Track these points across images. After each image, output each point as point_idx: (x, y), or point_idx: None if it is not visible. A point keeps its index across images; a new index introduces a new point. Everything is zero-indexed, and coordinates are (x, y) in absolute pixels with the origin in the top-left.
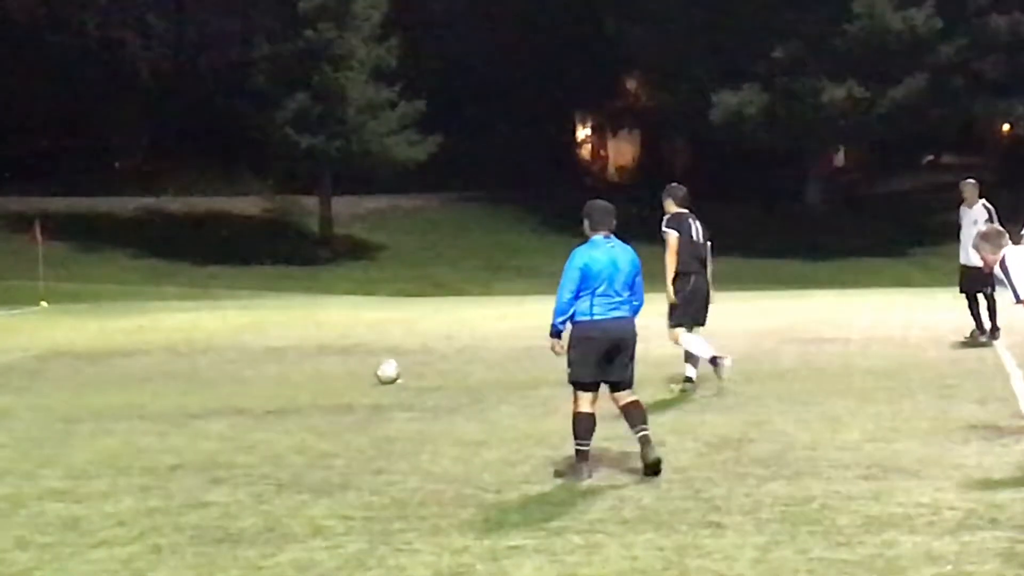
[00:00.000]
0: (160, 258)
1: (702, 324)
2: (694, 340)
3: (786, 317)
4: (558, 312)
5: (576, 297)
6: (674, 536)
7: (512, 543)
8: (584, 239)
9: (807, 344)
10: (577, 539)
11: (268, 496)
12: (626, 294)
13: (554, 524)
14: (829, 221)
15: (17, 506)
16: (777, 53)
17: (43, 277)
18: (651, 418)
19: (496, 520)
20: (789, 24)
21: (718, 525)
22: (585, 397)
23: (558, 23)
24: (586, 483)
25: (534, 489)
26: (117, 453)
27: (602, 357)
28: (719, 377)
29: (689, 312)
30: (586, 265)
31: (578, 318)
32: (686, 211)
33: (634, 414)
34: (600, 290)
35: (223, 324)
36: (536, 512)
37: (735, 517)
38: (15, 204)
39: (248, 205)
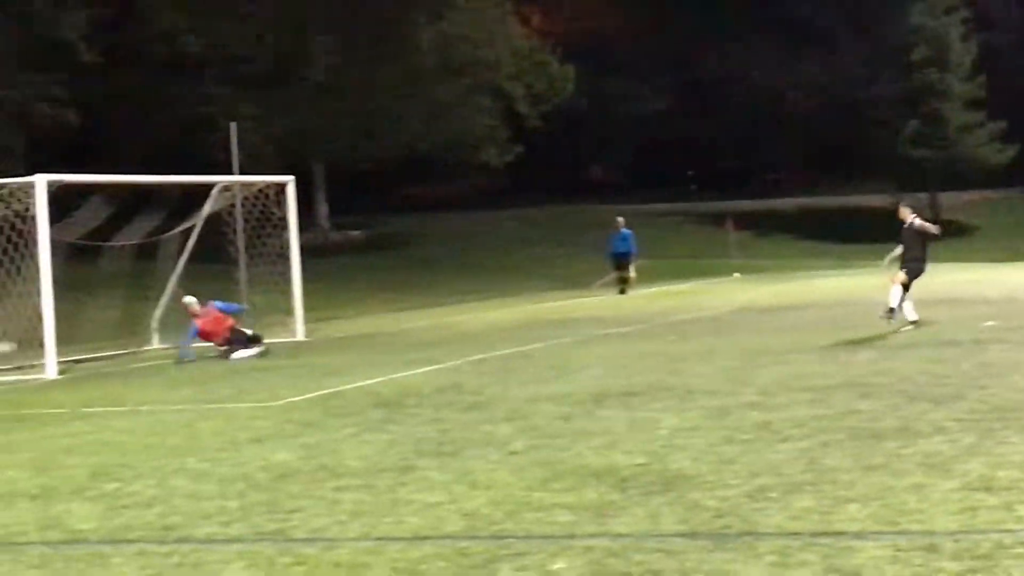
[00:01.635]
0: (813, 240)
1: None
2: None
3: None
4: None
5: None
6: None
7: None
8: None
9: None
10: None
11: (901, 405)
12: None
13: None
14: None
15: (724, 414)
16: None
17: (734, 256)
18: None
19: None
20: None
21: None
22: None
23: None
24: None
25: None
26: (791, 376)
27: None
28: None
29: None
30: None
31: None
32: None
33: None
34: None
35: (857, 284)
36: None
37: None
38: (709, 207)
39: (876, 201)
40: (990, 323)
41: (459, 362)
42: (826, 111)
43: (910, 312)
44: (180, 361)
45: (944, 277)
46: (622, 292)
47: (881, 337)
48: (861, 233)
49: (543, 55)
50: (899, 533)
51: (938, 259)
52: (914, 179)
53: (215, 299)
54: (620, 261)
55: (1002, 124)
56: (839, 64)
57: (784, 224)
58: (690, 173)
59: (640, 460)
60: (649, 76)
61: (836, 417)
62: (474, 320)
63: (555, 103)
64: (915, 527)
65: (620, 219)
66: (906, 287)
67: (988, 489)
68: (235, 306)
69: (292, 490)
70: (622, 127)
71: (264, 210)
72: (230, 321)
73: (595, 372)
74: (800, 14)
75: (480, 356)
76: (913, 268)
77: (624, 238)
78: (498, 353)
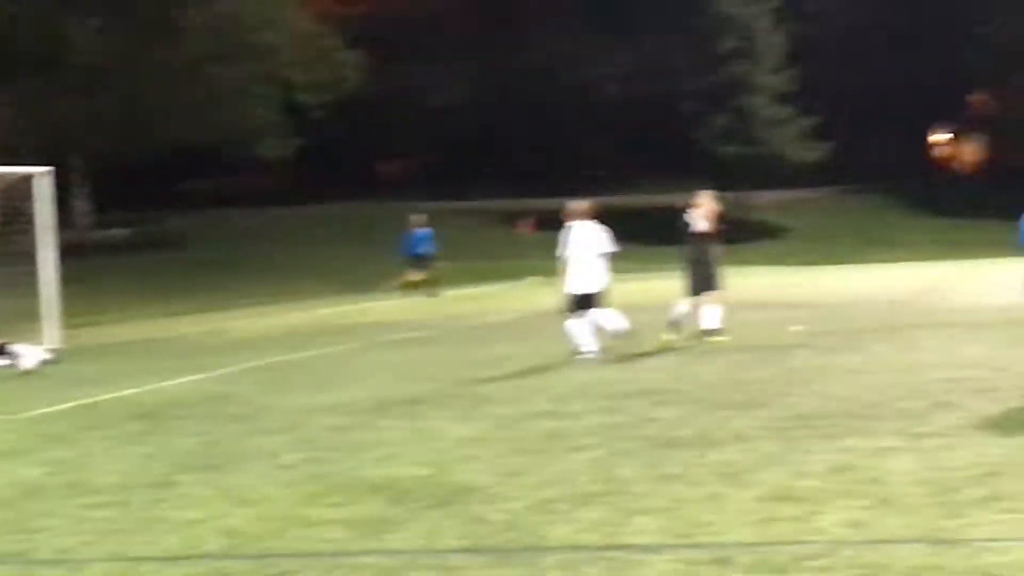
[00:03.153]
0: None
1: None
2: None
3: None
4: None
5: None
6: (1013, 437)
7: (887, 444)
8: None
9: None
10: (937, 441)
11: (701, 413)
12: None
13: (918, 430)
14: None
15: (515, 423)
16: None
17: (533, 258)
18: (1010, 353)
19: (874, 428)
20: None
21: None
22: None
23: (917, 54)
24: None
25: (904, 405)
26: (587, 383)
27: None
28: None
29: None
30: None
31: None
32: None
33: None
34: None
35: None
36: (905, 422)
37: None
38: (511, 205)
39: (683, 200)
40: (797, 328)
41: (231, 370)
42: (635, 105)
43: (705, 321)
44: None
45: (753, 280)
46: (429, 295)
47: (684, 342)
48: (670, 234)
49: (328, 41)
50: (691, 546)
51: (748, 262)
52: (724, 177)
53: None
54: (419, 262)
55: (814, 120)
56: (648, 55)
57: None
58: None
59: (422, 472)
60: (450, 65)
61: (632, 425)
62: (252, 326)
63: (341, 92)
64: (708, 539)
65: (418, 217)
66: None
67: (786, 499)
68: None
69: (38, 508)
70: (419, 119)
71: (16, 206)
72: None
73: (379, 380)
74: (610, 4)
75: (255, 364)
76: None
77: (423, 238)
78: (275, 360)
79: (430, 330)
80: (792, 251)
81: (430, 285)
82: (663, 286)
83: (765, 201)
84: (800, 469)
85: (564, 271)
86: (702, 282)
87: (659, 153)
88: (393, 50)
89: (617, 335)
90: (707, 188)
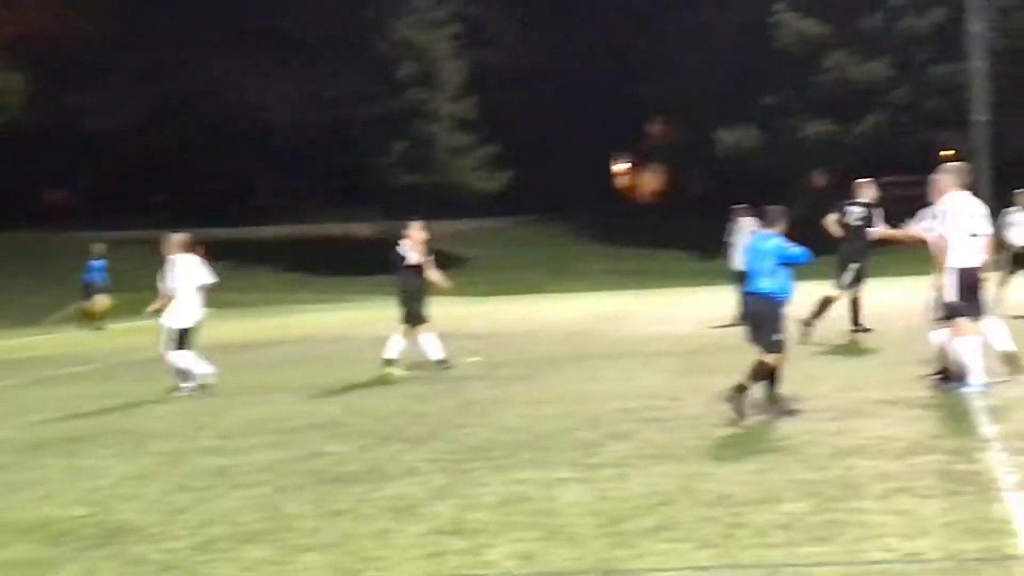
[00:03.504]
0: (299, 272)
1: None
2: None
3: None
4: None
5: None
6: (685, 467)
7: (560, 475)
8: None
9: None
10: (610, 471)
11: (373, 446)
12: None
13: (592, 461)
14: (812, 228)
15: (179, 460)
16: (766, 100)
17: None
18: (684, 382)
19: (548, 459)
20: (774, 77)
21: (720, 458)
22: None
23: (597, 83)
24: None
25: (579, 435)
26: (257, 418)
27: None
28: None
29: None
30: None
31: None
32: None
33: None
34: None
35: (344, 320)
36: (580, 453)
37: (733, 451)
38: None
39: (363, 230)
40: (474, 359)
41: None
42: (312, 132)
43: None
44: None
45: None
46: (95, 328)
47: (360, 376)
48: (350, 265)
49: None
50: None
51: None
52: (403, 206)
53: None
54: (91, 292)
55: (494, 148)
56: (323, 80)
57: (267, 254)
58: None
59: (79, 512)
60: (113, 89)
61: (301, 460)
62: None
63: (1, 119)
64: (375, 574)
65: (98, 247)
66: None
67: (457, 532)
68: None
69: None
70: (83, 145)
71: None
72: None
73: (38, 416)
74: (282, 26)
75: None
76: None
77: (98, 268)
78: None
79: (95, 364)
80: (472, 281)
81: (97, 317)
82: (336, 317)
83: (445, 231)
84: (472, 502)
85: (167, 304)
86: (415, 313)
87: (336, 182)
88: (55, 74)
89: (193, 376)
90: (386, 218)
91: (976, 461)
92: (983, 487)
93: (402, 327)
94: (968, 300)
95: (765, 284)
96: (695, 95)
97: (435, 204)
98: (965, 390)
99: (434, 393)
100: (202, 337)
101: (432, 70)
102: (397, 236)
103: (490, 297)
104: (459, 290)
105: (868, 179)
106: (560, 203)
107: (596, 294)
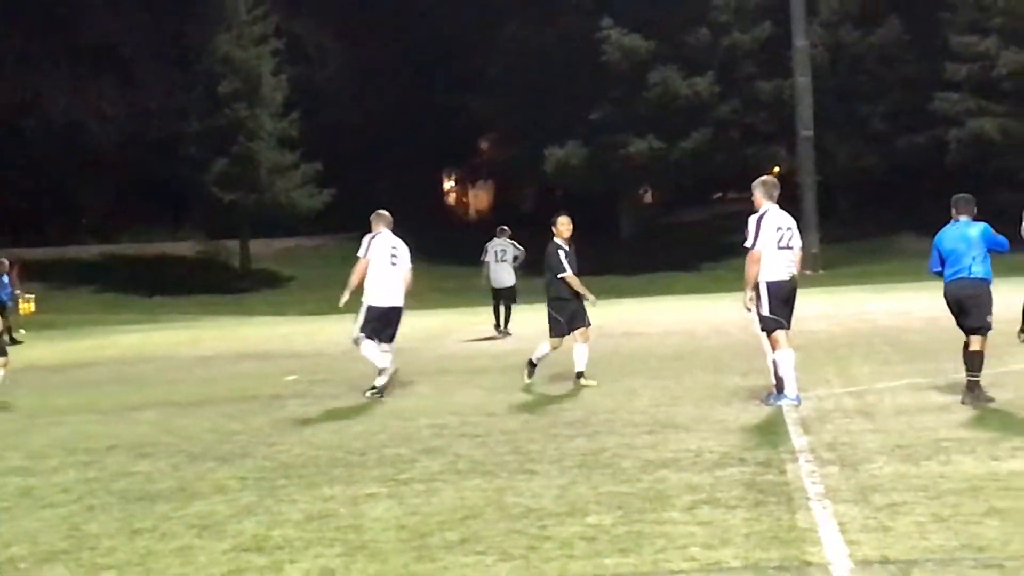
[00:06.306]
0: (117, 292)
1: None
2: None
3: (603, 318)
4: None
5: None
6: (496, 481)
7: (369, 491)
8: None
9: (618, 337)
10: (420, 487)
11: (183, 465)
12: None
13: (403, 476)
14: (639, 244)
15: None
16: (593, 116)
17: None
18: (500, 398)
19: (358, 476)
20: (601, 93)
21: (531, 472)
22: None
23: (426, 99)
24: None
25: (390, 451)
26: (67, 438)
27: None
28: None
29: None
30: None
31: None
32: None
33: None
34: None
35: (164, 340)
36: (390, 468)
37: (544, 465)
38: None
39: (186, 248)
40: (292, 377)
41: None
42: (136, 149)
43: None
44: None
45: (253, 331)
46: None
47: (174, 395)
48: (174, 284)
49: None
50: None
51: (251, 311)
52: (226, 224)
53: None
54: None
55: (316, 166)
56: (148, 97)
57: (88, 274)
58: None
59: None
60: None
61: (109, 480)
62: None
63: None
64: None
65: None
66: None
67: (259, 549)
68: None
69: None
70: None
71: None
72: None
73: None
74: (106, 41)
75: None
76: None
77: None
78: None
79: None
80: (295, 300)
81: None
82: (155, 337)
83: (268, 249)
84: (278, 518)
85: None
86: None
87: (160, 200)
88: None
89: None
90: (209, 237)
91: (784, 472)
92: (788, 497)
93: None
94: (781, 313)
95: (977, 269)
96: (524, 111)
97: (258, 222)
98: (779, 402)
99: (247, 412)
100: (15, 359)
101: (254, 86)
102: (222, 255)
103: (314, 316)
104: (281, 309)
105: None
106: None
107: (420, 312)
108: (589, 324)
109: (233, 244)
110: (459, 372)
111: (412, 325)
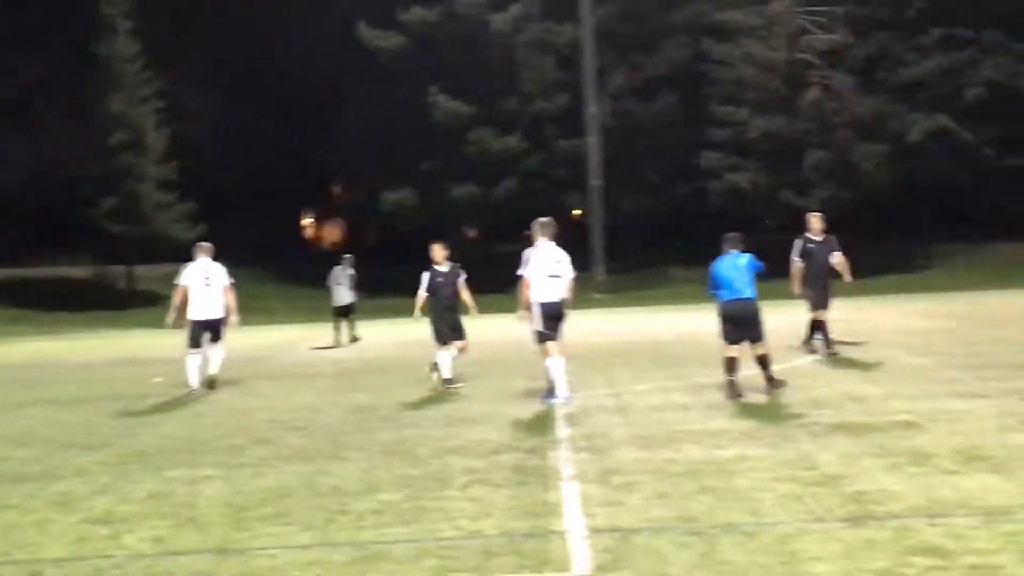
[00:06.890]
0: (18, 309)
1: None
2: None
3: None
4: None
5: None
6: (311, 465)
7: (206, 474)
8: None
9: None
10: (249, 470)
11: (54, 452)
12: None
13: (236, 461)
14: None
15: None
16: (423, 166)
17: None
18: (327, 398)
19: (199, 461)
20: (430, 147)
21: (342, 458)
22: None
23: (287, 150)
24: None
25: (228, 441)
26: None
27: None
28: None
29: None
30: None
31: None
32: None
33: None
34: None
35: (56, 349)
36: (226, 455)
37: (354, 452)
38: None
39: (81, 272)
40: (157, 379)
41: None
42: (35, 187)
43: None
44: None
45: (135, 341)
46: None
47: (60, 394)
48: (68, 303)
49: None
50: (9, 563)
51: (135, 325)
52: (115, 252)
53: None
54: None
55: (192, 204)
56: (48, 143)
57: None
58: None
59: None
60: None
61: None
62: None
63: None
64: (26, 556)
65: None
66: None
67: (106, 522)
68: None
69: None
70: None
71: None
72: None
73: None
74: (14, 95)
75: None
76: None
77: None
78: None
79: None
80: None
81: None
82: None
83: (153, 273)
84: (125, 496)
85: None
86: None
87: (58, 231)
88: None
89: None
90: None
91: (546, 458)
92: (545, 478)
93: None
94: (551, 328)
95: (748, 292)
96: (367, 161)
97: (142, 251)
98: (553, 401)
99: (116, 407)
100: None
101: (140, 138)
102: (110, 278)
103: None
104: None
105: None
106: (254, 251)
107: (278, 325)
108: (463, 338)
109: (121, 269)
110: (300, 376)
111: (269, 336)
